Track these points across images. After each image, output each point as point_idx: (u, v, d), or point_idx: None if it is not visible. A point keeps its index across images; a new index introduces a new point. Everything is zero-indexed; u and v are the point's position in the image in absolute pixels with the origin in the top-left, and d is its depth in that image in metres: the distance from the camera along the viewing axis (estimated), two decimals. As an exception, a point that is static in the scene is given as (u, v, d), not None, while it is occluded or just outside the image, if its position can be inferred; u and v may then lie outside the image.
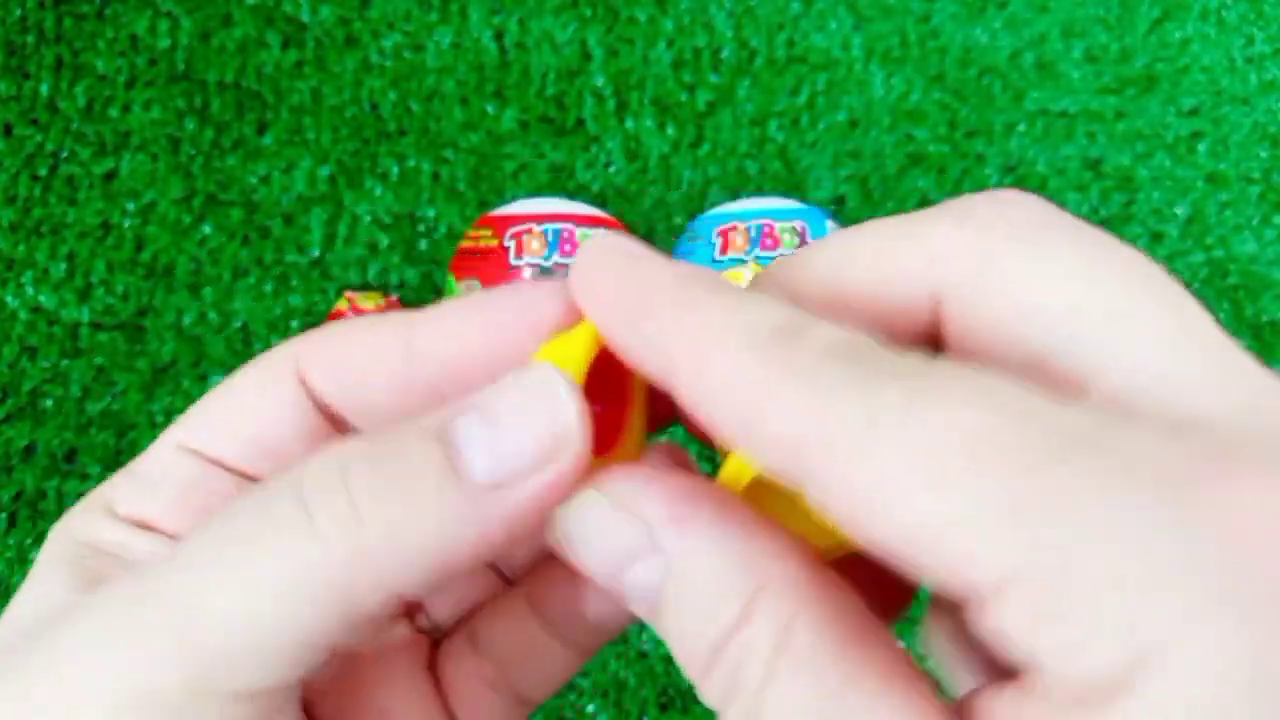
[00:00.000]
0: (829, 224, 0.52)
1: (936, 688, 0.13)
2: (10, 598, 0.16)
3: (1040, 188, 0.56)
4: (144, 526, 0.17)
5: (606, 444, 0.17)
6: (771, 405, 0.13)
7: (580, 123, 0.56)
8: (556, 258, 0.51)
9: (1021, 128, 0.57)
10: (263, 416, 0.17)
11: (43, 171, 0.54)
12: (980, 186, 0.56)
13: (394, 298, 0.52)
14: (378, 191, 0.55)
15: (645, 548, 0.14)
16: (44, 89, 0.56)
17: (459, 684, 0.19)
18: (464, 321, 0.17)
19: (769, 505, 0.15)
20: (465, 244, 0.52)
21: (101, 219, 0.54)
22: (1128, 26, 0.60)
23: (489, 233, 0.52)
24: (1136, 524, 0.11)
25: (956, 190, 0.56)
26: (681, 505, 0.14)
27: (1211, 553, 0.11)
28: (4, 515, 0.49)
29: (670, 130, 0.56)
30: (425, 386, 0.17)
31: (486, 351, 0.16)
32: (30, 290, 0.52)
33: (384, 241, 0.54)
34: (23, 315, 0.52)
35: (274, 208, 0.54)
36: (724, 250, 0.52)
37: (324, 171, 0.55)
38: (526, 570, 0.20)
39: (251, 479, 0.17)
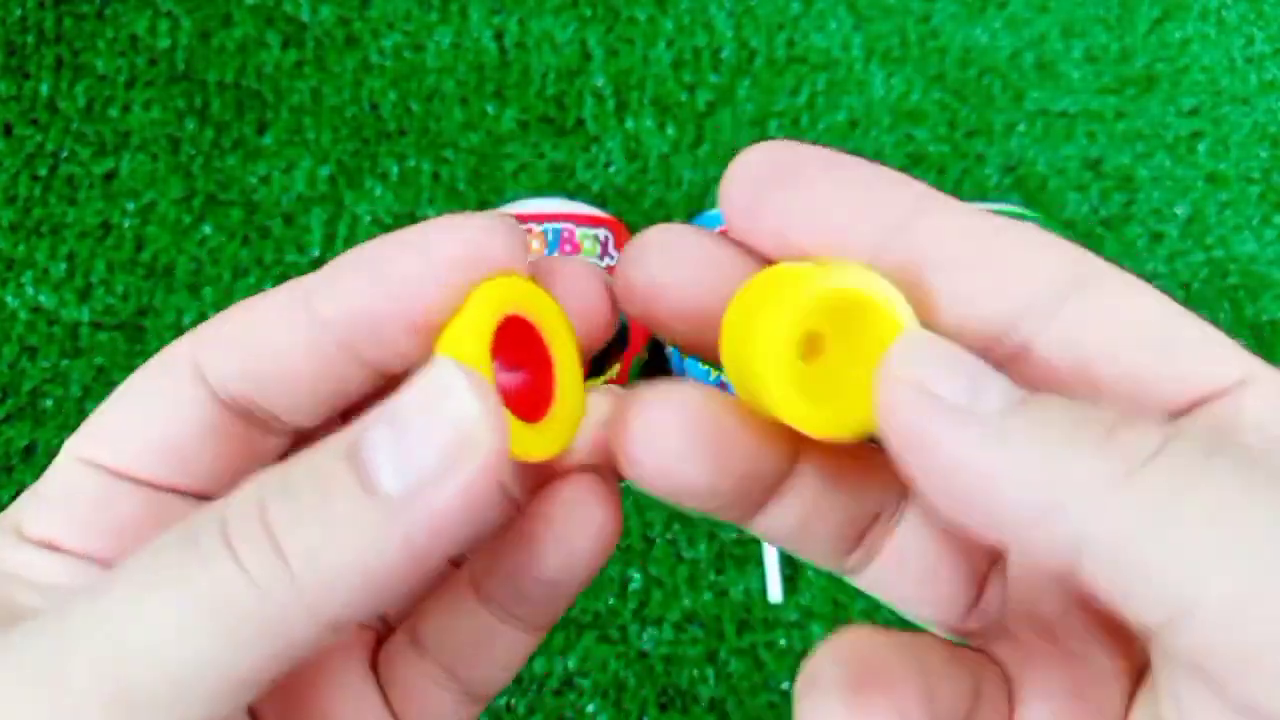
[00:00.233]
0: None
1: None
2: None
3: (1040, 188, 0.56)
4: (52, 548, 0.16)
5: (541, 407, 0.16)
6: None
7: (580, 123, 0.56)
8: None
9: (1021, 128, 0.57)
10: (162, 419, 0.16)
11: (43, 171, 0.54)
12: (980, 186, 0.56)
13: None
14: (378, 191, 0.55)
15: (992, 372, 0.14)
16: (44, 89, 0.56)
17: (404, 686, 0.18)
18: (361, 279, 0.16)
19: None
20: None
21: (101, 219, 0.54)
22: (1128, 26, 0.60)
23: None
24: None
25: (956, 190, 0.56)
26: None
27: None
28: (4, 515, 0.49)
29: (670, 130, 0.56)
30: (337, 352, 0.16)
31: (390, 306, 0.16)
32: (30, 290, 0.52)
33: (384, 241, 0.54)
34: (23, 315, 0.52)
35: (274, 208, 0.54)
36: (724, 250, 0.51)
37: (324, 171, 0.55)
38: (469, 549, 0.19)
39: (159, 488, 0.16)
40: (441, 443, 0.14)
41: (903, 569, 0.18)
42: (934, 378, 0.14)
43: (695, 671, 0.48)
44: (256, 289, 0.53)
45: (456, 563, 0.19)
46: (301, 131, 0.55)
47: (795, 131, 0.56)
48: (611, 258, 0.50)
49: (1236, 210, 0.56)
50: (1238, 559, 0.12)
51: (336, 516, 0.13)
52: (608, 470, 0.18)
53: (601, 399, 0.17)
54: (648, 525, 0.50)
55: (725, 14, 0.59)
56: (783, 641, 0.48)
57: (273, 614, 0.13)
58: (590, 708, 0.48)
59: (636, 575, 0.49)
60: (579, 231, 0.52)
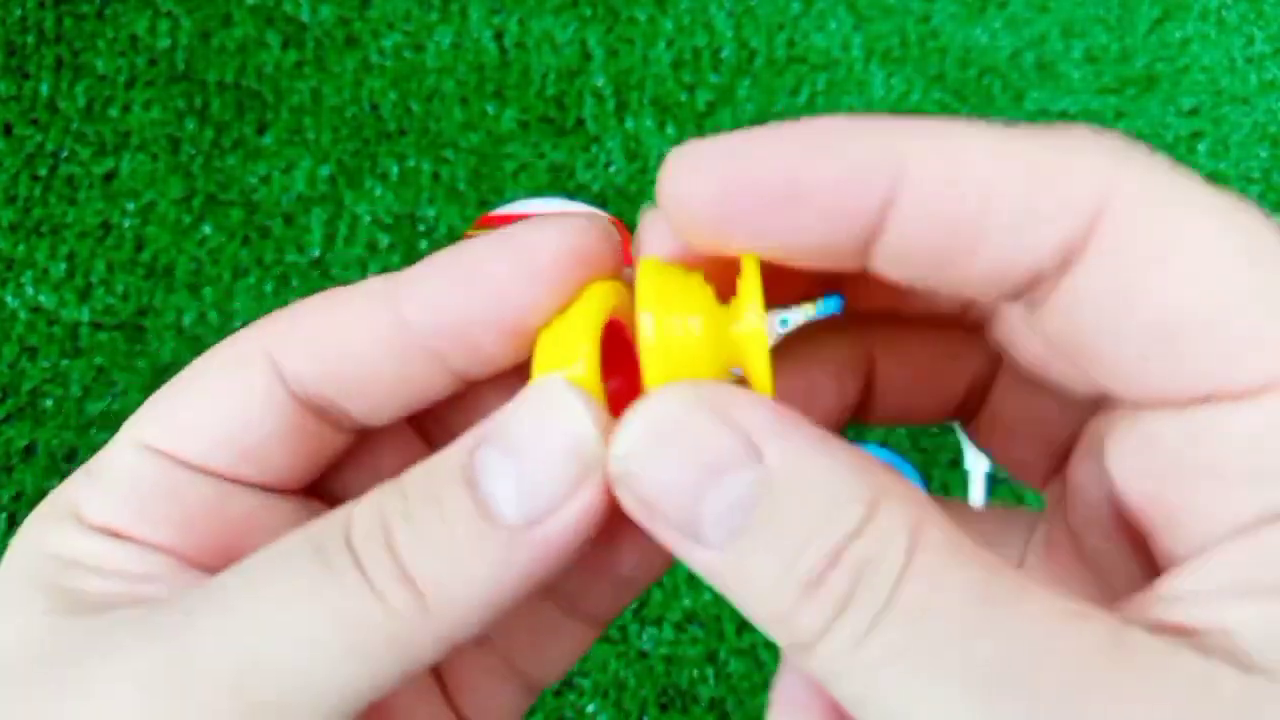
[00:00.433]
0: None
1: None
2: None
3: (1040, 188, 0.56)
4: (115, 535, 0.16)
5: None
6: (1066, 166, 0.12)
7: (580, 123, 0.56)
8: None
9: (1021, 128, 0.57)
10: (236, 413, 0.16)
11: (43, 171, 0.54)
12: (980, 186, 0.56)
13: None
14: (378, 191, 0.55)
15: (738, 458, 0.13)
16: (44, 89, 0.56)
17: (461, 677, 0.18)
18: (453, 281, 0.15)
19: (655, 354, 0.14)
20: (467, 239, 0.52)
21: (101, 219, 0.54)
22: (1128, 26, 0.60)
23: (489, 232, 0.52)
24: None
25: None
26: (785, 413, 0.13)
27: None
28: (4, 515, 0.49)
29: (670, 130, 0.56)
30: (422, 355, 0.16)
31: (486, 309, 0.15)
32: (30, 290, 0.52)
33: (384, 241, 0.54)
34: (23, 315, 0.52)
35: (274, 208, 0.54)
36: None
37: (324, 171, 0.55)
38: None
39: (225, 479, 0.16)
40: (561, 472, 0.14)
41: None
42: (653, 486, 0.13)
43: (695, 671, 0.48)
44: (256, 289, 0.53)
45: None
46: (301, 131, 0.55)
47: (795, 131, 0.56)
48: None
49: (1236, 210, 0.57)
50: None
51: (461, 546, 0.13)
52: None
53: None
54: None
55: (725, 14, 0.59)
56: (783, 641, 0.48)
57: (402, 635, 0.13)
58: (590, 708, 0.48)
59: (636, 575, 0.49)
60: (579, 231, 0.51)
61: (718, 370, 0.14)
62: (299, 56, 0.57)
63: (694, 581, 0.49)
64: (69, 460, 0.50)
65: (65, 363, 0.51)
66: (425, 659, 0.14)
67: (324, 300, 0.16)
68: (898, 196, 0.13)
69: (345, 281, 0.16)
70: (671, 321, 0.14)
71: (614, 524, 0.17)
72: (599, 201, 0.55)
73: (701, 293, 0.15)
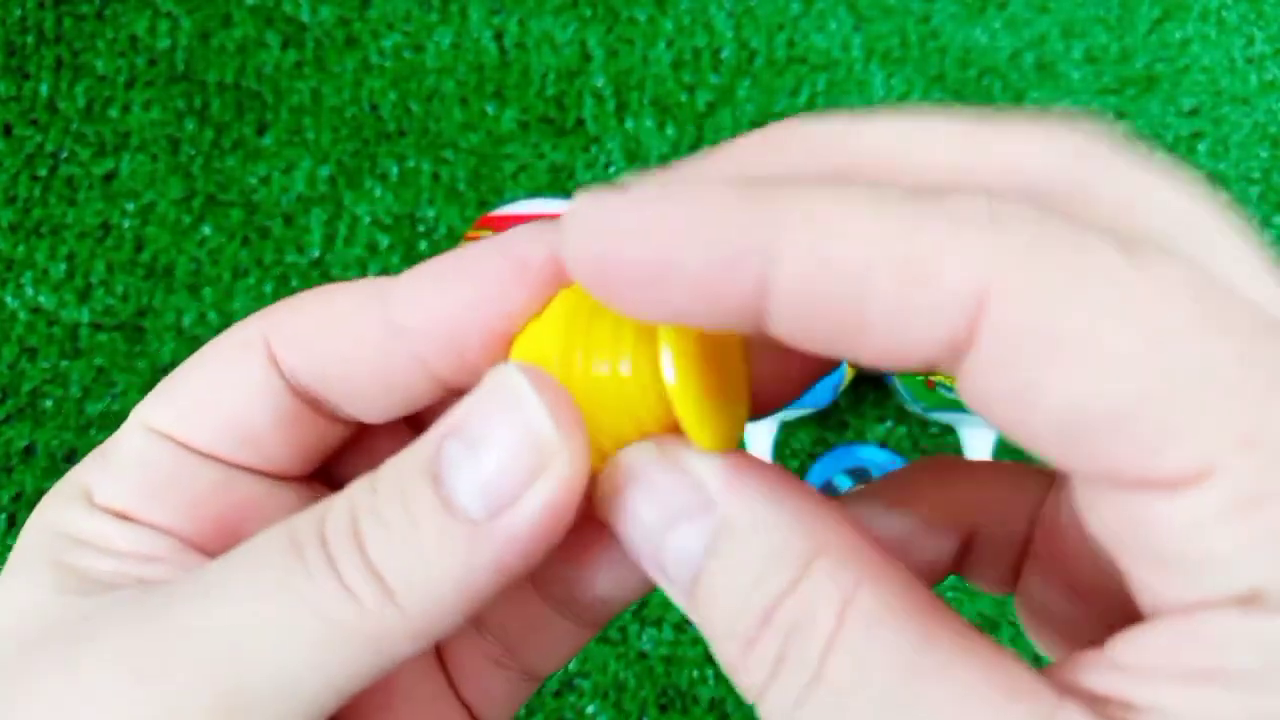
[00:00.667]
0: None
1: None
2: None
3: (1040, 188, 0.56)
4: (124, 517, 0.16)
5: None
6: (943, 252, 0.11)
7: (580, 123, 0.56)
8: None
9: (1021, 128, 0.57)
10: (238, 400, 0.16)
11: (43, 172, 0.54)
12: (980, 187, 0.56)
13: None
14: (378, 192, 0.55)
15: (695, 508, 0.13)
16: (44, 89, 0.56)
17: (463, 661, 0.19)
18: (444, 287, 0.15)
19: (596, 395, 0.14)
20: (465, 244, 0.52)
21: (101, 219, 0.54)
22: (1128, 26, 0.60)
23: (489, 233, 0.52)
24: None
25: (956, 190, 0.56)
26: (738, 466, 0.14)
27: None
28: (4, 515, 0.49)
29: (670, 130, 0.56)
30: (406, 360, 0.16)
31: (473, 315, 0.15)
32: (30, 291, 0.52)
33: (384, 242, 0.54)
34: (23, 316, 0.52)
35: (274, 208, 0.54)
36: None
37: (324, 172, 0.55)
38: None
39: (230, 465, 0.16)
40: (518, 462, 0.13)
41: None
42: (623, 532, 0.14)
43: (695, 672, 0.48)
44: (256, 289, 0.53)
45: None
46: (301, 132, 0.55)
47: (795, 132, 0.56)
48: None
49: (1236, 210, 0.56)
50: None
51: (426, 541, 0.13)
52: None
53: None
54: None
55: (725, 14, 0.59)
56: (783, 642, 0.48)
57: (374, 632, 0.14)
58: (590, 709, 0.48)
59: (636, 576, 0.49)
60: (579, 232, 0.51)
61: (658, 411, 0.14)
62: (299, 57, 0.57)
63: (694, 582, 0.49)
64: (69, 460, 0.50)
65: (65, 363, 0.51)
66: (400, 654, 0.14)
67: (321, 295, 0.16)
68: (771, 283, 0.12)
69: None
70: (599, 364, 0.14)
71: (587, 537, 0.16)
72: (599, 202, 0.55)
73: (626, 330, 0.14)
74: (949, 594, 0.49)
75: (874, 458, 0.51)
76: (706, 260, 0.12)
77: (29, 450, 0.50)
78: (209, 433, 0.16)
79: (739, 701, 0.48)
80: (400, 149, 0.55)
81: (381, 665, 0.14)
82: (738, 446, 0.15)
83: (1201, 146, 0.57)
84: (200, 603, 0.14)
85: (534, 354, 0.15)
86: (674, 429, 0.14)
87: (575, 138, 0.56)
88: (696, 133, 0.56)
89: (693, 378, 0.14)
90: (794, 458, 0.52)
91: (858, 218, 0.11)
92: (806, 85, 0.57)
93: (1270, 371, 0.10)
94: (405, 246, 0.54)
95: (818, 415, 0.53)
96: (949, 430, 0.53)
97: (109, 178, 0.54)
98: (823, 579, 0.13)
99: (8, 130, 0.55)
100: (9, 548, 0.50)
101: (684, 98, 0.57)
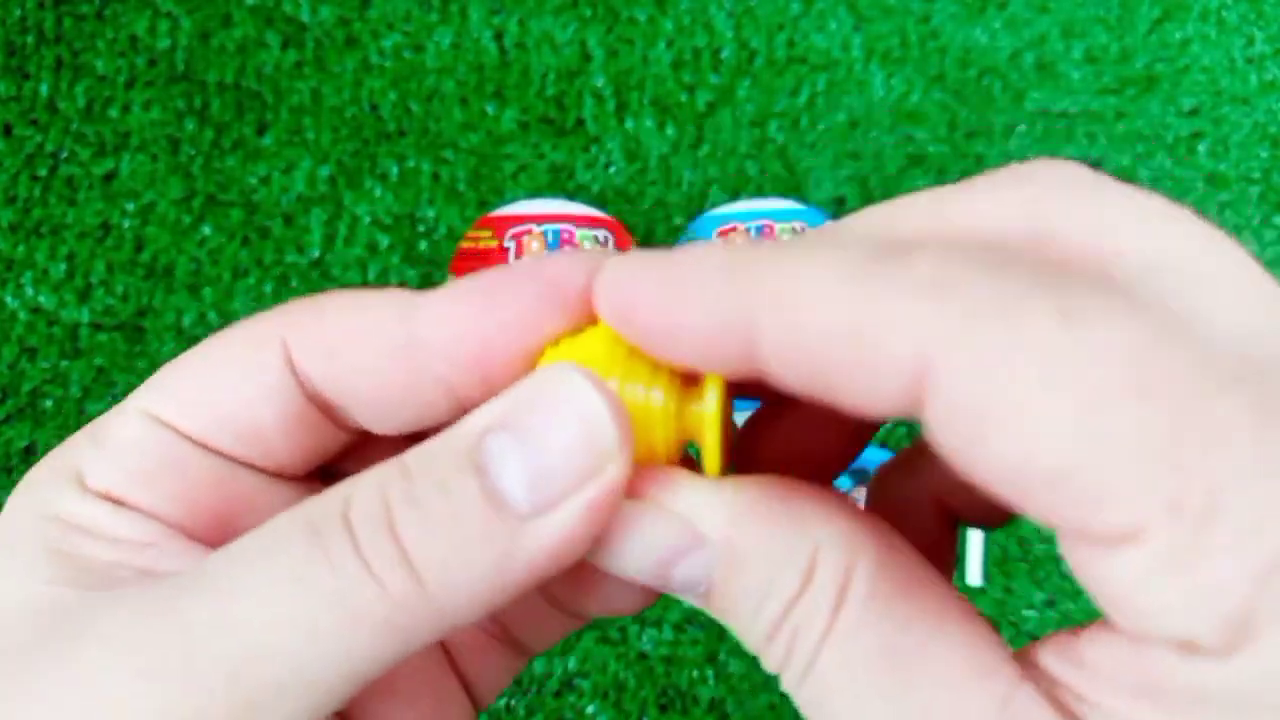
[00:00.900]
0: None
1: (997, 629, 0.14)
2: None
3: (1040, 188, 0.56)
4: (117, 502, 0.16)
5: None
6: (888, 324, 0.12)
7: (580, 123, 0.56)
8: (556, 258, 0.51)
9: (1021, 128, 0.57)
10: (247, 396, 0.16)
11: (43, 172, 0.54)
12: (980, 187, 0.56)
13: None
14: (378, 192, 0.55)
15: (689, 542, 0.14)
16: (44, 89, 0.56)
17: (461, 635, 0.19)
18: (473, 306, 0.15)
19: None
20: (465, 245, 0.52)
21: (101, 219, 0.54)
22: (1128, 26, 0.60)
23: (489, 233, 0.52)
24: None
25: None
26: (736, 489, 0.14)
27: None
28: (4, 516, 0.49)
29: (670, 130, 0.56)
30: (428, 375, 0.16)
31: (503, 336, 0.15)
32: (30, 291, 0.52)
33: (384, 242, 0.54)
34: (23, 316, 0.52)
35: (274, 208, 0.54)
36: (724, 251, 0.52)
37: (324, 172, 0.55)
38: None
39: (229, 459, 0.16)
40: (574, 462, 0.14)
41: None
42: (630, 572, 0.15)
43: (695, 672, 0.48)
44: (256, 289, 0.53)
45: None
46: (301, 132, 0.55)
47: (795, 132, 0.56)
48: (611, 258, 0.50)
49: (1236, 211, 0.56)
50: None
51: (466, 533, 0.13)
52: None
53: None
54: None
55: (725, 14, 0.59)
56: (783, 642, 0.48)
57: (403, 621, 0.13)
58: (590, 709, 0.48)
59: (636, 576, 0.49)
60: (579, 233, 0.52)
61: (671, 442, 0.15)
62: (299, 57, 0.57)
63: (694, 582, 0.49)
64: (69, 461, 0.50)
65: (65, 363, 0.51)
66: (421, 642, 0.14)
67: (346, 302, 0.16)
68: (756, 346, 0.13)
69: (345, 282, 0.17)
70: (634, 389, 0.15)
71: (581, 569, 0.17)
72: (599, 202, 0.55)
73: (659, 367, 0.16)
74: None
75: (874, 457, 0.51)
76: (705, 325, 0.14)
77: (29, 450, 0.50)
78: (207, 424, 0.16)
79: (739, 701, 0.48)
80: (400, 149, 0.55)
81: (401, 652, 0.14)
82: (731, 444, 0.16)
83: (1201, 146, 0.57)
84: (212, 595, 0.14)
85: (575, 354, 0.15)
86: (679, 461, 0.15)
87: (575, 138, 0.56)
88: (696, 133, 0.56)
89: (721, 413, 0.15)
90: (794, 458, 0.52)
91: (821, 287, 0.13)
92: (806, 85, 0.57)
93: (1204, 433, 0.11)
94: (405, 246, 0.54)
95: (818, 415, 0.53)
96: (949, 430, 0.53)
97: (109, 178, 0.54)
98: (824, 575, 0.14)
99: (8, 130, 0.55)
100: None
101: (684, 98, 0.57)
